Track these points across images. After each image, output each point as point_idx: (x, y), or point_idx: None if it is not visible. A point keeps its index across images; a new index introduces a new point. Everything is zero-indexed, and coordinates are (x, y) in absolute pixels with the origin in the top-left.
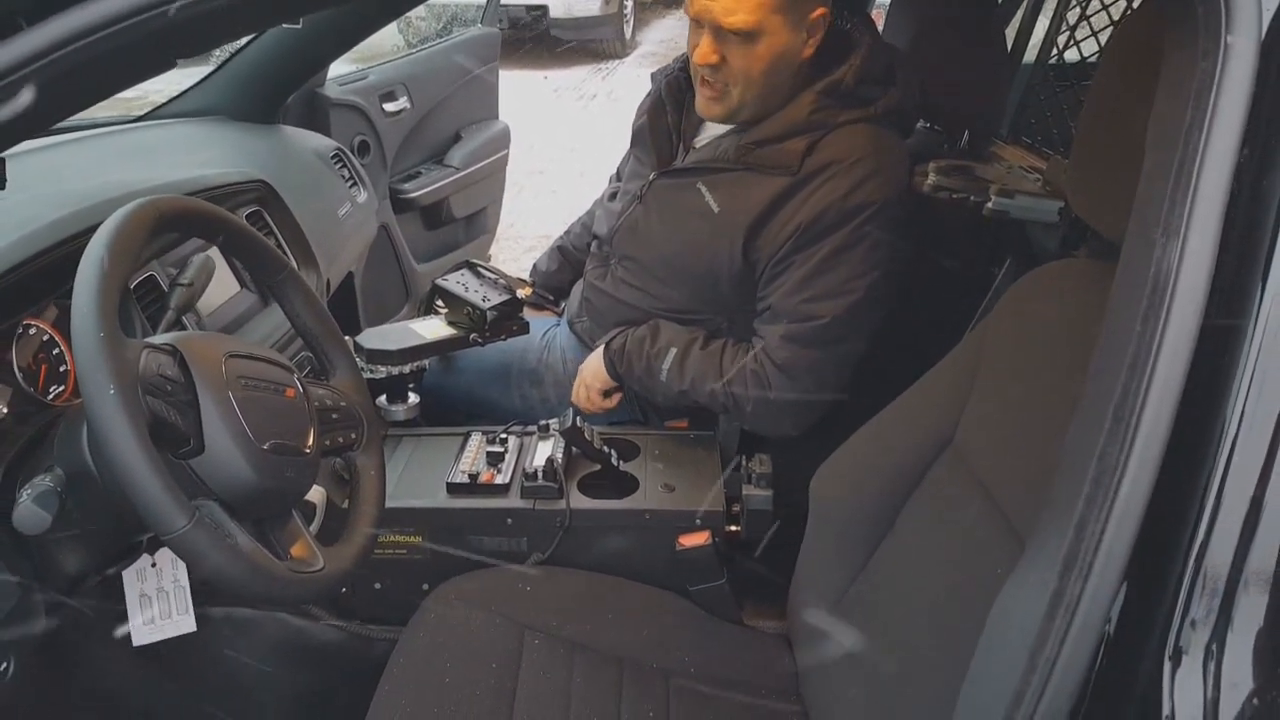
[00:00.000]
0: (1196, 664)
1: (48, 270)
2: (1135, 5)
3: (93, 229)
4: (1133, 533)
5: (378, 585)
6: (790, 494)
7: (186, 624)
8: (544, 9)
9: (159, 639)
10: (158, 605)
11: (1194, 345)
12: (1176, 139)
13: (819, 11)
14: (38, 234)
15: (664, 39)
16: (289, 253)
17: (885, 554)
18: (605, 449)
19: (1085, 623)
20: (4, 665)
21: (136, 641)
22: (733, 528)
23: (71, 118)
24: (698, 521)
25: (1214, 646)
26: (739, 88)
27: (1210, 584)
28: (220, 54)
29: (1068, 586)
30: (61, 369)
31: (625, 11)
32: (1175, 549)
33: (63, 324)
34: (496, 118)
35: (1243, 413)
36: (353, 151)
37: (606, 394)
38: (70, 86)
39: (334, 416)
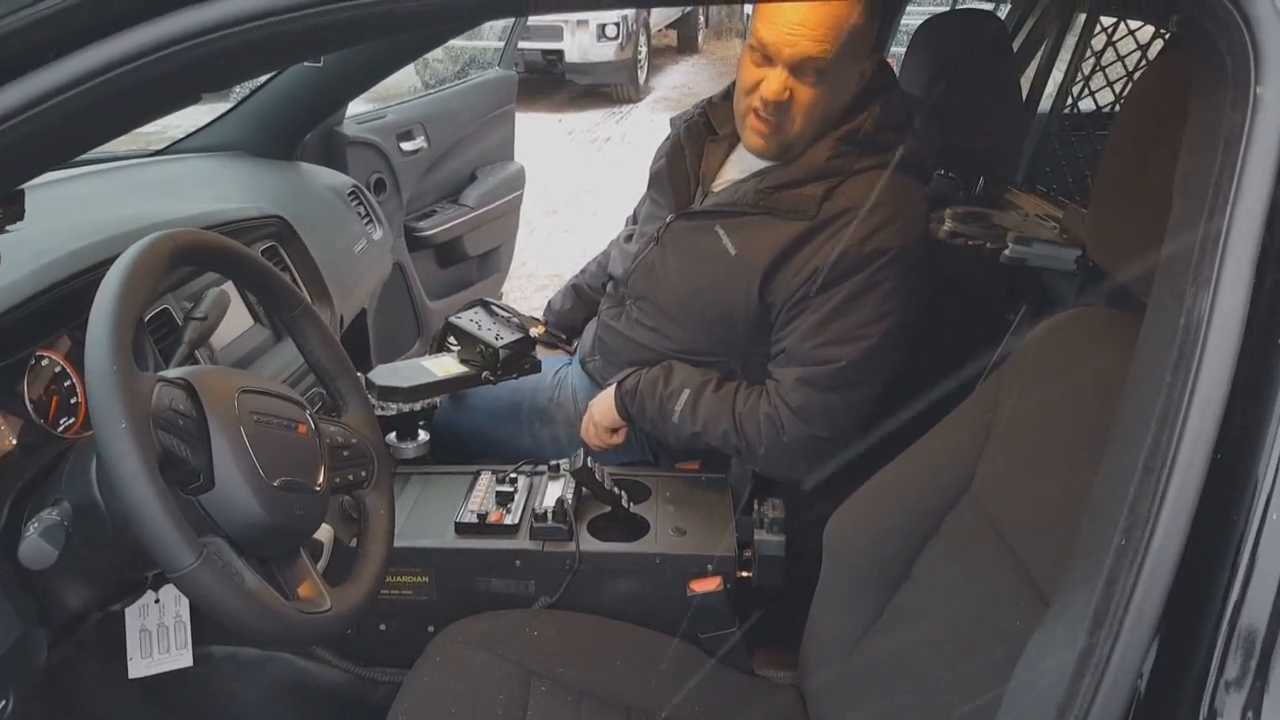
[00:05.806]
0: None
1: (62, 301)
2: (1151, 57)
3: (109, 261)
4: (1165, 588)
5: (383, 626)
6: (804, 539)
7: (184, 659)
8: (559, 53)
9: (155, 673)
10: (157, 640)
11: (1226, 396)
12: (1205, 189)
13: (871, 60)
14: (54, 265)
15: (677, 84)
16: (304, 288)
17: (901, 602)
18: (616, 490)
19: (1115, 681)
20: (3, 703)
21: (133, 674)
22: (745, 573)
23: (90, 151)
24: (709, 567)
25: (1250, 712)
26: (799, 124)
27: (1245, 643)
28: (239, 90)
29: (1097, 643)
30: (73, 401)
31: (639, 57)
32: (1209, 605)
33: (75, 355)
34: (512, 159)
35: (1278, 465)
36: (369, 189)
37: (613, 430)
38: (96, 119)
39: (345, 454)
